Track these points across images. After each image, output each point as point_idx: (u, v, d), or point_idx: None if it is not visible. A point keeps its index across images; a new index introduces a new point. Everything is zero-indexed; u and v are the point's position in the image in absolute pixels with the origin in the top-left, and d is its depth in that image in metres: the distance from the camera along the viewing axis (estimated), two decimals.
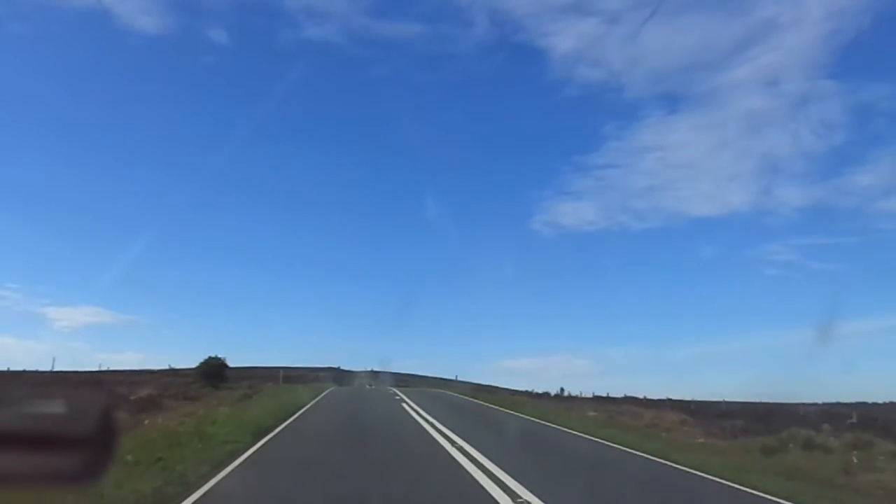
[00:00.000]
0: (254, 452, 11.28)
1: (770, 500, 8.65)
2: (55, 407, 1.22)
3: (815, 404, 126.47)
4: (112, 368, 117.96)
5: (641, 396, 46.64)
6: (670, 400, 42.07)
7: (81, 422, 1.21)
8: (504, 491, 8.18)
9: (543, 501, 7.68)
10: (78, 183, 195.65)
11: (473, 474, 9.41)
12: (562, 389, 47.78)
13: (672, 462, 11.92)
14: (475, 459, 10.74)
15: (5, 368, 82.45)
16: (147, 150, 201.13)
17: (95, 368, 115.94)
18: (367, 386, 68.70)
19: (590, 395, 45.95)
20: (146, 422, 15.42)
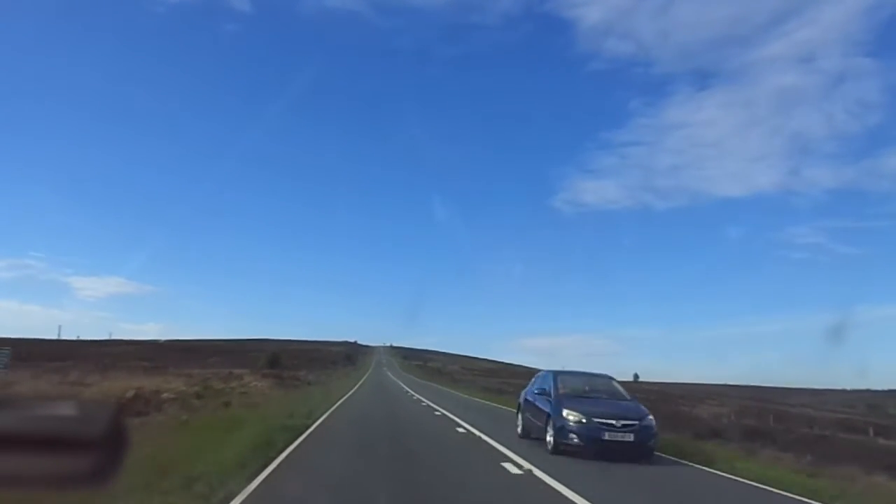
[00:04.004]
0: None
1: None
2: (66, 409, 1.20)
3: (844, 391, 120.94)
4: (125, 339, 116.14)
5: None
6: None
7: (92, 424, 1.19)
8: None
9: None
10: (103, 156, 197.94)
11: None
12: (636, 376, 43.41)
13: None
14: None
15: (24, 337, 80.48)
16: (167, 123, 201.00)
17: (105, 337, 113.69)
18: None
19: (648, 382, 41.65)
20: None
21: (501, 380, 74.32)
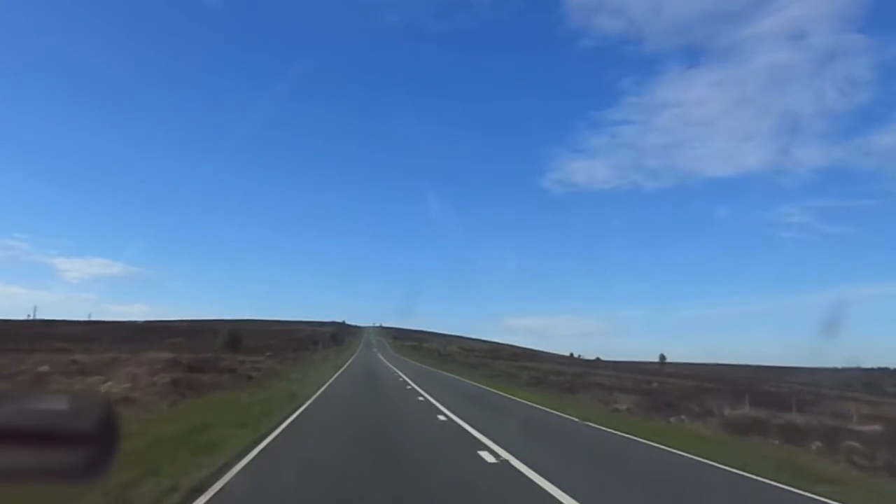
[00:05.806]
0: None
1: None
2: (58, 403, 1.20)
3: (835, 369, 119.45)
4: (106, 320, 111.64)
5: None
6: None
7: (84, 418, 1.20)
8: None
9: None
10: (92, 140, 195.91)
11: None
12: (662, 357, 39.44)
13: None
14: None
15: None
16: (158, 108, 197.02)
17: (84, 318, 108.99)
18: None
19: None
20: None
21: (516, 364, 66.94)
